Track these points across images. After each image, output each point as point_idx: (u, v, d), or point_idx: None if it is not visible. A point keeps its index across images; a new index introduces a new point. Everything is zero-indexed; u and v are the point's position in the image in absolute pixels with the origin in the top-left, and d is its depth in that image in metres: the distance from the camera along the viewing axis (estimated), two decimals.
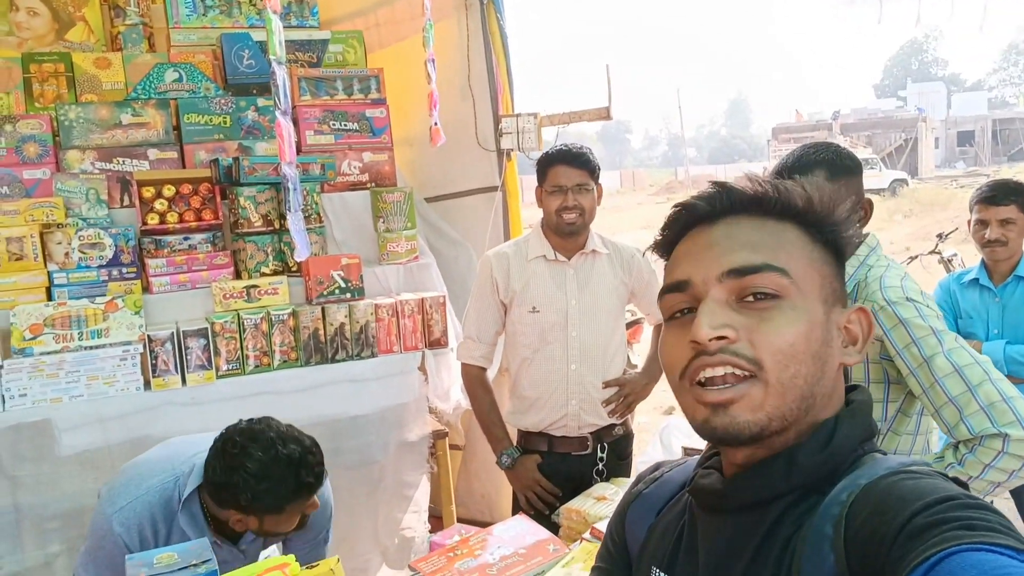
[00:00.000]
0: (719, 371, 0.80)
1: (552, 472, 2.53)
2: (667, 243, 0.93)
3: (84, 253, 2.84)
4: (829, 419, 0.84)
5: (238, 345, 2.88)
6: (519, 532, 1.46)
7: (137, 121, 3.12)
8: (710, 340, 0.80)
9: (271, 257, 3.06)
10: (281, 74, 2.58)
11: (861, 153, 29.12)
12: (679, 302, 0.87)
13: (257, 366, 2.91)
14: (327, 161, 3.21)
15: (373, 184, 3.38)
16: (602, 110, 3.40)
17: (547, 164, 2.53)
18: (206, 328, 2.83)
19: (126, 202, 3.05)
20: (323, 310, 2.98)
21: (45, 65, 3.21)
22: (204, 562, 1.13)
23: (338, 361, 3.01)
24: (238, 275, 3.04)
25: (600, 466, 2.55)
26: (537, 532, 1.45)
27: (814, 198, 0.87)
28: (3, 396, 2.60)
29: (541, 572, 1.33)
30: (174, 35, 3.44)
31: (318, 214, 3.15)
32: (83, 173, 3.00)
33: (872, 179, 23.68)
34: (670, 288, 0.88)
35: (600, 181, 2.55)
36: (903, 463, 0.79)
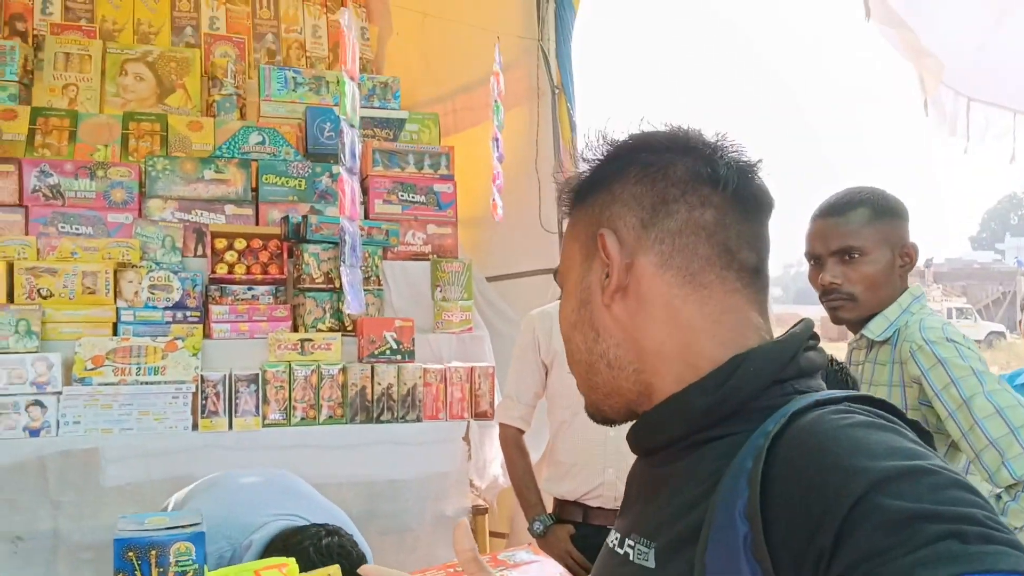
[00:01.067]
0: None
1: (586, 545, 2.43)
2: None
3: (153, 294, 2.96)
4: (737, 355, 0.76)
5: (287, 395, 2.92)
6: (519, 560, 1.41)
7: (218, 177, 3.30)
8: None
9: (328, 314, 3.13)
10: (350, 134, 2.71)
11: (955, 302, 28.33)
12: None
13: (303, 418, 2.94)
14: (392, 228, 3.31)
15: (435, 256, 3.46)
16: None
17: None
18: (258, 375, 2.88)
19: (199, 252, 3.18)
20: (372, 369, 3.01)
21: (143, 124, 3.45)
22: (193, 524, 1.13)
23: (383, 422, 3.01)
24: (295, 329, 3.11)
25: None
26: (542, 562, 1.39)
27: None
28: (58, 421, 2.68)
29: None
30: (264, 106, 3.67)
31: (377, 277, 3.24)
32: (162, 221, 3.16)
33: (967, 329, 22.87)
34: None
35: None
36: (836, 396, 0.71)
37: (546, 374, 2.60)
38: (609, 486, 2.45)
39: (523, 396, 2.61)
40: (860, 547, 0.57)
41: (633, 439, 0.84)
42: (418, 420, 3.06)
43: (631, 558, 0.77)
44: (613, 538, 0.83)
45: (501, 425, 2.65)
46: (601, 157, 0.84)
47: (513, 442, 2.61)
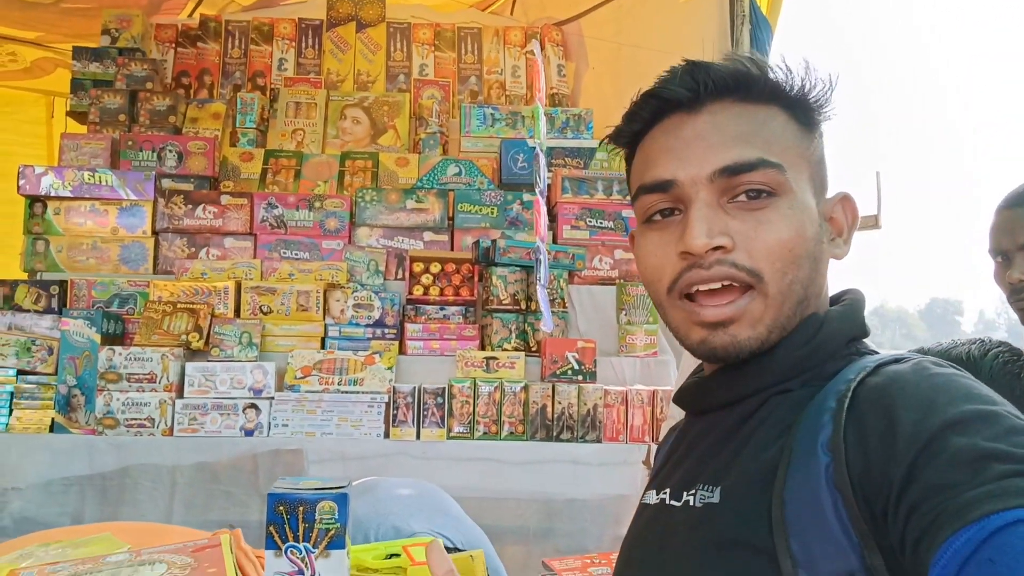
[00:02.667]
0: (715, 285, 0.75)
1: None
2: (633, 134, 0.85)
3: (356, 312, 3.22)
4: (816, 314, 0.77)
5: (471, 410, 3.05)
6: None
7: (419, 207, 3.55)
8: (707, 251, 0.74)
9: (514, 335, 3.24)
10: (542, 159, 2.83)
11: None
12: (658, 202, 0.80)
13: (485, 433, 3.04)
14: (579, 252, 3.38)
15: (621, 280, 3.48)
16: (869, 218, 3.24)
17: None
18: (444, 389, 3.04)
19: (399, 275, 3.43)
20: (553, 388, 3.07)
21: (357, 161, 3.79)
22: (339, 487, 1.23)
23: (562, 440, 3.05)
24: (482, 347, 3.24)
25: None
26: None
27: (799, 76, 0.79)
28: (269, 423, 2.97)
29: None
30: (464, 142, 3.90)
31: (563, 300, 3.31)
32: (368, 247, 3.44)
33: None
34: (649, 187, 0.80)
35: None
36: (905, 354, 0.72)
37: None
38: None
39: None
40: (931, 480, 0.58)
41: (700, 395, 0.85)
42: (598, 441, 3.07)
43: (693, 503, 0.77)
44: (659, 496, 0.83)
45: None
46: (824, 91, 0.81)
47: None
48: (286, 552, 1.29)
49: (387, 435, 3.00)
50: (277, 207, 3.48)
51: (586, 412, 3.07)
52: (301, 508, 1.31)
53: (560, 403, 3.06)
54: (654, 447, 3.08)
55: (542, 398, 3.06)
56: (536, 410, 3.05)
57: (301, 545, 1.30)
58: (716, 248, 0.74)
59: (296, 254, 3.42)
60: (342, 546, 1.32)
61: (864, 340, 0.80)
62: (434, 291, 3.33)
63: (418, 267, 3.39)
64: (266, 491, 3.11)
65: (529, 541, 2.96)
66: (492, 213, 3.57)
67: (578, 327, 3.41)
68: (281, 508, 1.30)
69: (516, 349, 3.22)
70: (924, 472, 0.59)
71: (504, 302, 3.25)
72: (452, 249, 3.53)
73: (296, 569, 1.29)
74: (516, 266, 3.25)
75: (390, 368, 3.07)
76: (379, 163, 3.79)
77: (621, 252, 3.52)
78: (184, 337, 3.04)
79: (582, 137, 3.92)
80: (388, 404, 3.01)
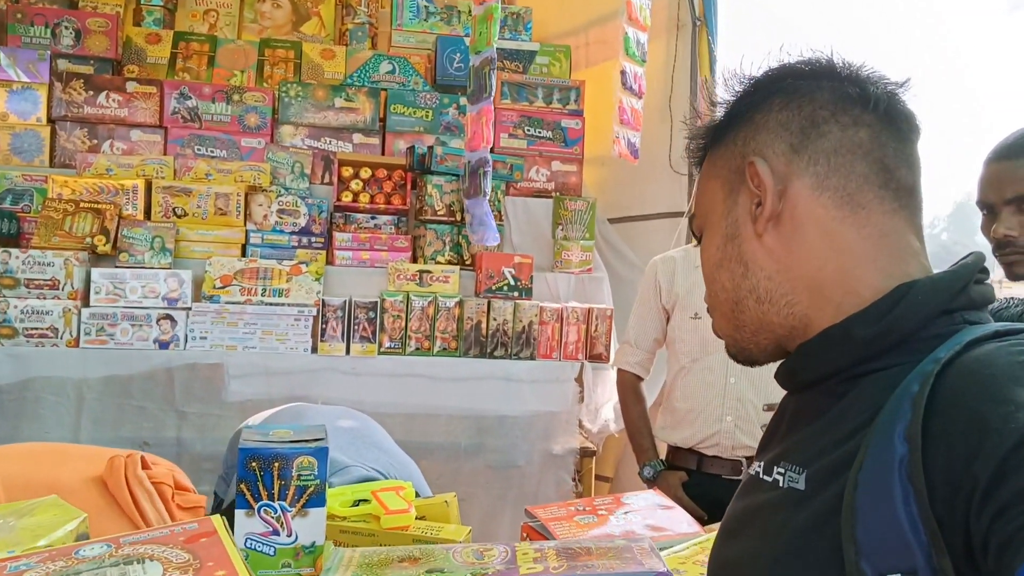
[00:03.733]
0: None
1: (698, 494, 2.35)
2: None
3: (280, 218, 3.01)
4: (903, 284, 0.72)
5: (403, 325, 2.93)
6: (651, 504, 1.34)
7: (348, 106, 3.31)
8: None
9: (448, 247, 3.11)
10: (495, 63, 2.65)
11: None
12: None
13: (418, 348, 2.95)
14: (516, 163, 3.25)
15: (558, 193, 3.38)
16: None
17: None
18: (376, 303, 2.90)
19: (326, 179, 3.21)
20: (489, 304, 2.98)
21: (278, 51, 3.48)
22: (317, 440, 1.11)
23: (496, 357, 2.99)
24: (415, 260, 3.11)
25: None
26: (672, 510, 1.32)
27: (709, 102, 0.83)
28: (187, 335, 2.78)
29: (669, 545, 1.20)
30: (395, 36, 3.64)
31: (499, 212, 3.18)
32: (293, 147, 3.20)
33: None
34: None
35: None
36: (1018, 328, 0.66)
37: (667, 320, 2.51)
38: (727, 434, 2.35)
39: (642, 342, 2.53)
40: (1021, 486, 0.55)
41: (787, 374, 0.82)
42: (532, 358, 3.02)
43: (780, 484, 0.75)
44: (756, 467, 0.83)
45: (619, 371, 2.58)
46: (737, 93, 0.82)
47: (630, 388, 2.54)
48: (259, 511, 1.17)
49: (315, 350, 2.86)
50: (191, 98, 3.18)
51: (521, 329, 3.00)
52: (276, 464, 1.18)
53: (495, 319, 2.98)
54: (588, 366, 3.06)
55: (477, 314, 2.97)
56: (471, 326, 2.97)
57: (276, 504, 1.18)
58: None
59: (213, 152, 3.15)
60: (322, 503, 1.20)
61: (977, 310, 0.73)
62: (364, 198, 3.15)
63: (347, 172, 3.18)
64: (182, 408, 2.94)
65: (459, 457, 2.92)
66: (427, 117, 3.37)
67: (511, 240, 3.30)
68: (254, 464, 1.18)
69: (450, 263, 3.10)
70: (1015, 476, 0.55)
71: (439, 213, 3.10)
72: (383, 154, 3.32)
73: (270, 529, 1.18)
74: (453, 175, 3.10)
75: (318, 279, 2.91)
76: (302, 54, 3.50)
77: (559, 164, 3.40)
78: (89, 240, 2.77)
79: (520, 38, 3.72)
80: (316, 317, 2.86)
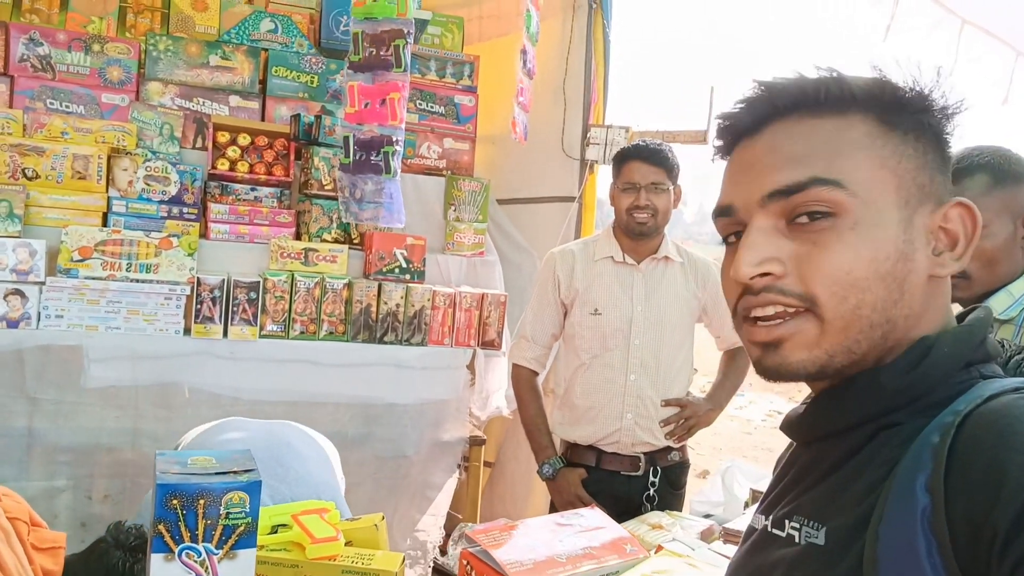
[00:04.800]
0: (768, 310, 0.72)
1: (597, 491, 2.33)
2: (721, 156, 0.83)
3: (148, 185, 2.73)
4: (927, 336, 0.71)
5: (287, 307, 2.74)
6: (592, 523, 1.29)
7: (224, 64, 3.04)
8: (751, 279, 0.72)
9: (335, 224, 2.93)
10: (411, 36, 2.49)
11: None
12: (726, 227, 0.79)
13: (302, 332, 2.77)
14: (408, 139, 3.09)
15: (449, 172, 3.25)
16: (699, 133, 3.25)
17: (621, 160, 2.37)
18: (258, 283, 2.70)
19: (199, 144, 2.95)
20: (380, 287, 2.84)
21: None
22: (247, 471, 0.97)
23: (386, 343, 2.86)
24: (299, 236, 2.91)
25: (651, 491, 2.35)
26: (613, 528, 1.27)
27: (884, 78, 0.73)
28: (39, 314, 2.48)
29: (615, 573, 1.15)
30: None
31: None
32: (161, 107, 2.91)
33: None
34: (717, 212, 0.79)
35: (680, 183, 2.38)
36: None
37: (564, 315, 2.46)
38: (627, 431, 2.34)
39: (539, 337, 2.47)
40: None
41: (806, 423, 0.79)
42: (423, 344, 2.91)
43: (797, 540, 0.73)
44: (763, 521, 0.80)
45: (515, 366, 2.51)
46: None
47: (527, 383, 2.48)
48: (180, 555, 1.01)
49: (188, 332, 2.63)
50: (42, 44, 2.81)
51: (413, 314, 2.88)
52: (202, 501, 1.02)
53: (386, 303, 2.84)
54: (480, 352, 2.99)
55: (367, 297, 2.82)
56: (360, 310, 2.81)
57: (201, 546, 1.03)
58: (765, 275, 0.72)
59: (68, 107, 2.81)
60: (252, 544, 1.06)
61: (989, 363, 0.73)
62: (242, 167, 2.90)
63: (223, 137, 2.92)
64: (34, 394, 2.63)
65: (346, 447, 2.76)
66: (312, 82, 3.15)
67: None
68: (175, 502, 1.01)
69: (337, 241, 2.93)
70: (1011, 531, 0.56)
71: (327, 187, 2.91)
72: (263, 119, 3.08)
73: (193, 575, 1.03)
74: (342, 148, 2.90)
75: (191, 254, 2.66)
76: (171, 3, 3.17)
77: (451, 141, 3.27)
78: None
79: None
80: (190, 297, 2.62)
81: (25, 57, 2.79)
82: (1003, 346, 0.91)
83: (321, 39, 3.29)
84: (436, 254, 3.10)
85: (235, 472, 0.99)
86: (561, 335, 2.49)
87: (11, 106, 2.73)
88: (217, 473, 0.99)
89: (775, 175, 0.72)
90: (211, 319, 2.64)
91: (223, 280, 2.66)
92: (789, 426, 0.81)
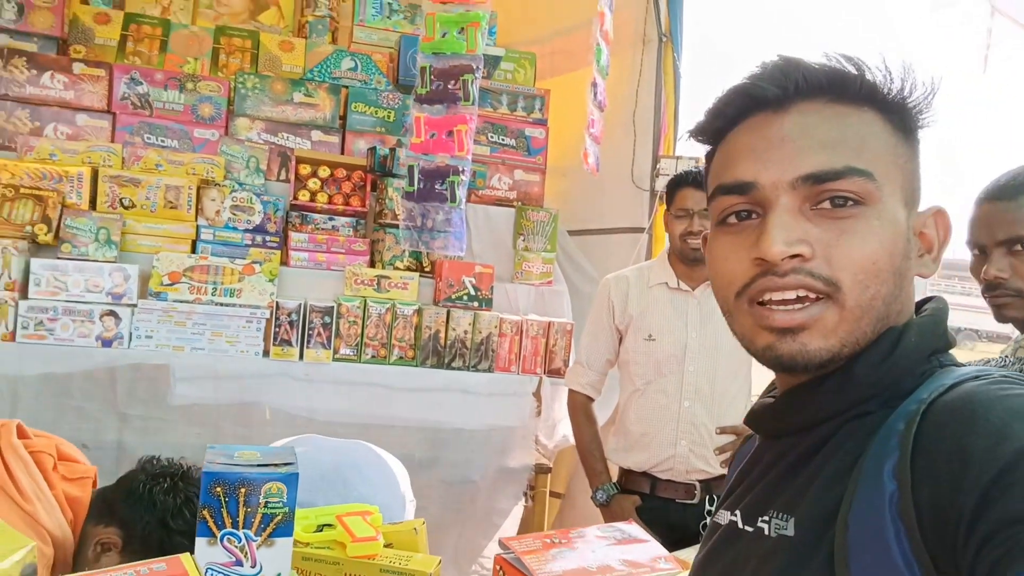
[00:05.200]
0: (789, 294, 0.70)
1: (652, 519, 2.31)
2: (716, 131, 0.79)
3: (234, 215, 2.90)
4: (893, 327, 0.72)
5: (359, 332, 2.85)
6: (629, 536, 1.30)
7: (307, 101, 3.20)
8: (783, 259, 0.70)
9: (407, 253, 3.03)
10: (479, 72, 2.59)
11: None
12: (737, 204, 0.75)
13: (373, 356, 2.86)
14: (479, 170, 3.18)
15: (520, 203, 3.33)
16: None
17: (675, 186, 2.39)
18: (332, 308, 2.81)
19: (282, 176, 3.10)
20: (448, 313, 2.91)
21: (234, 39, 3.36)
22: (286, 464, 1.04)
23: (454, 368, 2.92)
24: (372, 264, 3.02)
25: (708, 520, 2.32)
26: (652, 545, 1.28)
27: (899, 78, 0.73)
28: (131, 334, 2.65)
29: None
30: (357, 32, 3.54)
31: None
32: (248, 141, 3.09)
33: None
34: (728, 188, 0.75)
35: None
36: (993, 372, 0.67)
37: (619, 341, 2.47)
38: (681, 459, 2.33)
39: (594, 363, 2.49)
40: (1008, 511, 0.56)
41: (773, 416, 0.79)
42: (490, 371, 2.96)
43: (767, 532, 0.74)
44: (730, 516, 0.80)
45: (570, 391, 2.54)
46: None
47: (582, 409, 2.50)
48: (222, 540, 1.08)
49: (267, 354, 2.75)
50: (141, 83, 3.04)
51: (480, 340, 2.94)
52: (243, 490, 1.10)
53: (454, 330, 2.91)
54: (547, 380, 3.02)
55: (436, 323, 2.90)
56: (429, 335, 2.89)
57: (241, 532, 1.10)
58: (793, 256, 0.70)
59: (164, 141, 3.01)
60: (289, 533, 1.12)
61: (948, 352, 0.75)
62: (322, 198, 3.05)
63: (305, 169, 3.08)
64: (124, 410, 2.78)
65: (414, 470, 2.82)
66: (389, 117, 3.28)
67: (472, 248, 3.24)
68: (219, 489, 1.09)
69: (409, 269, 3.03)
70: (1000, 501, 0.56)
71: (399, 217, 3.02)
72: (343, 153, 3.22)
73: (233, 560, 1.09)
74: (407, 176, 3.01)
75: (272, 280, 2.80)
76: (260, 44, 3.38)
77: (521, 173, 3.35)
78: (29, 228, 2.62)
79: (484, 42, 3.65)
80: (270, 320, 2.75)
81: (126, 96, 3.01)
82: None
83: (399, 76, 3.44)
84: (505, 283, 3.17)
85: (275, 464, 1.06)
86: (616, 361, 2.50)
87: (112, 140, 2.95)
88: (259, 465, 1.05)
89: (811, 157, 0.71)
90: (288, 342, 2.76)
91: (300, 305, 2.78)
92: (756, 420, 0.81)
